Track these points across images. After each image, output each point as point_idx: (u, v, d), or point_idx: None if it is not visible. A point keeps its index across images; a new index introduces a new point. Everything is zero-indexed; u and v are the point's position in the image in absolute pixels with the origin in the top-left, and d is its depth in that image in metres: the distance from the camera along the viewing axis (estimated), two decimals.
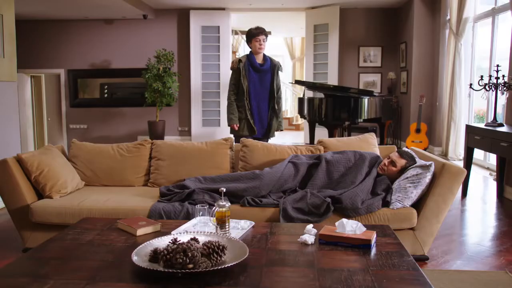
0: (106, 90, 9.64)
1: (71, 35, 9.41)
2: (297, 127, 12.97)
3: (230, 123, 4.60)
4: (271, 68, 4.56)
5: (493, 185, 5.36)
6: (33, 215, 3.09)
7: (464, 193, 4.96)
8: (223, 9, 9.10)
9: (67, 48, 9.42)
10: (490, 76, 4.80)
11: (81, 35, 9.41)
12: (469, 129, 4.98)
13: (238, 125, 4.58)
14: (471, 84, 5.42)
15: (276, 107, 4.61)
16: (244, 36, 13.21)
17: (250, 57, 4.53)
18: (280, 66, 4.65)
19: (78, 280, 1.70)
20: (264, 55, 4.57)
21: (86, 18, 9.25)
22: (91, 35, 9.39)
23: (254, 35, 4.48)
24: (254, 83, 4.51)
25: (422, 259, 3.03)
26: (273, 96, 4.57)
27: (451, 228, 3.84)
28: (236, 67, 4.53)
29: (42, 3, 7.82)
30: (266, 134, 4.68)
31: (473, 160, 5.25)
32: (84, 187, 3.58)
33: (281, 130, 4.80)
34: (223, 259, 1.81)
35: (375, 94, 6.92)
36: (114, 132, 9.13)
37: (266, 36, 4.53)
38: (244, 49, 13.87)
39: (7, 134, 4.73)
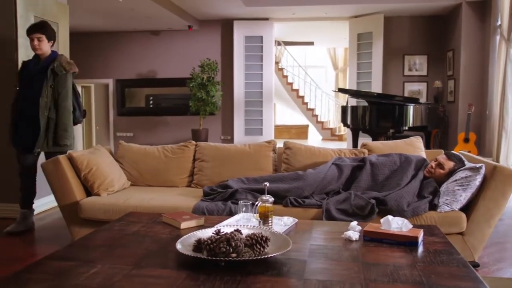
0: (151, 101, 9.90)
1: (120, 46, 9.74)
2: (340, 138, 12.83)
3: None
4: (47, 69, 3.71)
5: None
6: (82, 211, 3.19)
7: None
8: (267, 19, 9.19)
9: (116, 59, 9.76)
10: None
11: (129, 46, 9.73)
12: None
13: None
14: None
15: (54, 116, 3.73)
16: (286, 47, 13.35)
17: (32, 58, 3.86)
18: (63, 66, 3.74)
19: (124, 265, 1.73)
20: (52, 55, 3.79)
21: (134, 30, 9.56)
22: (138, 46, 9.69)
23: (27, 33, 3.74)
24: (25, 88, 3.78)
25: (472, 266, 2.90)
26: (47, 105, 3.71)
27: (504, 237, 3.67)
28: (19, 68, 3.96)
29: (94, 16, 8.16)
30: (32, 147, 3.76)
31: None
32: (130, 186, 3.67)
33: (63, 145, 3.78)
34: (266, 250, 1.80)
35: (420, 101, 6.75)
36: (159, 140, 9.34)
37: (45, 33, 3.72)
38: (287, 60, 13.93)
39: None
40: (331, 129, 13.37)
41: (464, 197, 2.87)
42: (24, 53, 4.29)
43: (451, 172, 3.09)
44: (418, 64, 9.00)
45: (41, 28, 3.71)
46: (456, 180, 2.95)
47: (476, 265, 2.93)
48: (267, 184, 2.33)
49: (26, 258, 3.26)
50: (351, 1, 8.05)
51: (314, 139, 13.28)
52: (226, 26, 9.35)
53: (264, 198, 2.21)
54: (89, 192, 3.37)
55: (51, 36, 3.80)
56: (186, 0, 7.76)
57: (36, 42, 3.68)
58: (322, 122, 13.42)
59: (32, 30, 3.70)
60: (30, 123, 3.72)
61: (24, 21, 4.28)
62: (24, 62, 3.87)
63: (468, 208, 2.91)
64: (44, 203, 4.62)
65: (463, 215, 2.85)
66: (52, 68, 3.69)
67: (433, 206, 2.90)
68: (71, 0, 5.25)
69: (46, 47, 3.76)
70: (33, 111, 3.68)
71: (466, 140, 7.36)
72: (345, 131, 11.75)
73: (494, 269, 2.95)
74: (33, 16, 4.40)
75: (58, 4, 4.82)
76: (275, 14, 8.94)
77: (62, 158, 3.31)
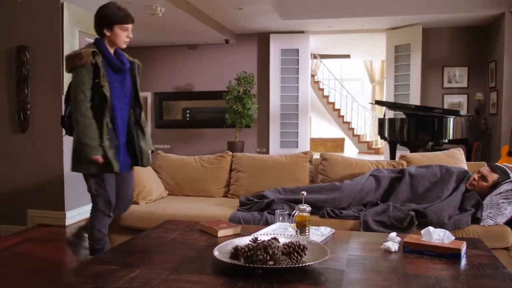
0: (188, 114, 10.08)
1: (158, 60, 9.98)
2: (377, 151, 12.63)
3: (92, 154, 2.68)
4: (132, 67, 2.97)
5: None
6: (121, 219, 3.26)
7: None
8: (303, 32, 9.21)
9: (154, 72, 10.00)
10: None
11: (166, 60, 9.96)
12: None
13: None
14: None
15: (141, 121, 3.01)
16: (322, 60, 13.32)
17: (103, 49, 2.80)
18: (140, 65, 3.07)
19: (162, 270, 1.76)
20: (118, 50, 2.95)
21: (172, 44, 9.78)
22: (176, 59, 9.91)
23: (120, 20, 2.79)
24: (116, 90, 2.80)
25: None
26: (135, 107, 2.98)
27: None
28: (89, 62, 2.68)
29: (134, 31, 8.38)
30: (135, 162, 3.00)
31: None
32: (168, 196, 3.73)
33: (152, 151, 3.16)
34: (303, 259, 1.78)
35: (461, 114, 6.58)
36: (195, 152, 9.38)
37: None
38: (323, 72, 13.88)
39: None
40: (367, 142, 13.18)
41: (509, 210, 2.76)
42: None
43: (495, 185, 2.98)
44: (458, 76, 8.80)
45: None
46: (500, 193, 2.85)
47: None
48: (305, 193, 2.32)
49: (67, 263, 3.35)
50: (388, 13, 7.98)
51: (350, 152, 13.12)
52: (262, 39, 9.44)
53: (302, 207, 2.20)
54: None
55: None
56: (224, 15, 7.90)
57: (131, 35, 2.88)
58: (358, 136, 13.26)
59: (131, 18, 2.86)
60: (127, 137, 2.91)
61: (70, 36, 4.46)
62: (94, 53, 2.71)
63: None
64: (86, 211, 4.73)
65: (509, 229, 2.74)
66: (140, 67, 3.04)
67: (475, 220, 2.81)
68: None
69: None
70: (124, 121, 2.90)
71: (510, 153, 7.10)
72: (382, 145, 11.57)
73: None
74: (78, 31, 4.58)
75: None
76: (311, 27, 8.97)
77: None
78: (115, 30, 2.78)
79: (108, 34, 2.79)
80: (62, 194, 4.42)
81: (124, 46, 2.87)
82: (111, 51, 2.85)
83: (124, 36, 2.83)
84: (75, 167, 2.80)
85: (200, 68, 9.82)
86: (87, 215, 4.71)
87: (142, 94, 10.20)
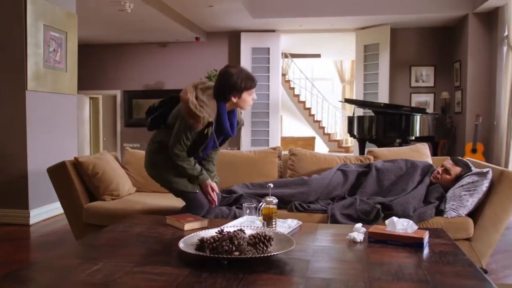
0: None
1: (127, 58, 9.84)
2: (347, 150, 12.78)
3: (205, 178, 2.84)
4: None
5: None
6: (87, 216, 3.20)
7: None
8: (273, 31, 9.24)
9: (123, 70, 9.85)
10: None
11: (136, 57, 9.83)
12: None
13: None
14: None
15: (210, 156, 3.04)
16: (293, 59, 13.40)
17: (222, 114, 2.75)
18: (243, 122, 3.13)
19: (127, 263, 1.73)
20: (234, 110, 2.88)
21: (142, 42, 9.66)
22: (146, 57, 9.79)
23: (249, 86, 2.73)
24: (208, 145, 2.83)
25: None
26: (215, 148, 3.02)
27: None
28: (200, 129, 2.66)
29: (103, 28, 8.26)
30: None
31: None
32: (135, 192, 3.68)
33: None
34: (269, 249, 1.78)
35: (427, 112, 6.73)
36: None
37: None
38: (293, 72, 13.96)
39: (66, 142, 4.98)
40: (338, 141, 13.34)
41: (471, 202, 2.84)
42: (34, 61, 4.34)
43: (458, 178, 3.06)
44: (425, 75, 8.99)
45: None
46: (462, 186, 2.92)
47: (484, 272, 2.88)
48: (271, 185, 2.33)
49: (31, 261, 3.25)
50: (357, 13, 8.09)
51: (321, 151, 13.24)
52: (233, 38, 9.42)
53: (268, 199, 2.20)
54: (94, 197, 3.38)
55: None
56: (195, 12, 7.84)
57: (255, 96, 2.83)
58: (329, 134, 13.40)
59: (256, 80, 2.81)
60: None
61: (33, 30, 4.34)
62: (209, 124, 2.68)
63: (475, 214, 2.88)
64: (51, 209, 4.63)
65: (470, 221, 2.82)
66: (242, 126, 3.12)
67: (439, 212, 2.88)
68: (79, 12, 5.32)
69: None
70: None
71: (474, 150, 7.31)
72: (352, 143, 11.73)
73: (502, 275, 2.91)
74: (42, 24, 4.46)
75: (67, 14, 4.89)
76: (282, 26, 9.00)
77: (68, 162, 3.33)
78: (243, 96, 2.73)
79: (235, 100, 2.73)
80: (26, 192, 4.32)
81: (248, 109, 2.88)
82: (230, 115, 2.83)
83: (250, 99, 2.79)
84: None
85: (170, 66, 9.73)
86: (52, 213, 4.64)
87: (111, 93, 10.05)
